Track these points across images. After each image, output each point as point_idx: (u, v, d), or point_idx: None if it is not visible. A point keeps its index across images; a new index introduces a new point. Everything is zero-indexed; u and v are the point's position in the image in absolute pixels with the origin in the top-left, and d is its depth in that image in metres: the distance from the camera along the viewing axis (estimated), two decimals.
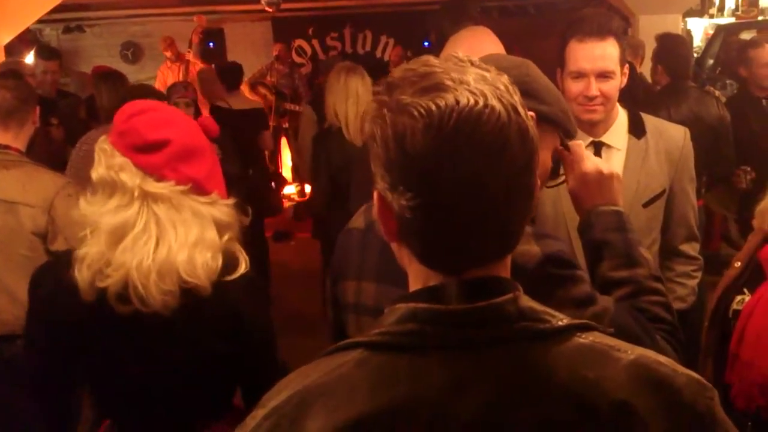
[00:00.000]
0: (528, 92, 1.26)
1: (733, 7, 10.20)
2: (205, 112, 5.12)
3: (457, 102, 0.76)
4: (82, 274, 1.41)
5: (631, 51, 4.25)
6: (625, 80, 2.02)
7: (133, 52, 10.71)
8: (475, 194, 0.77)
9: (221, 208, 1.49)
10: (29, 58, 6.94)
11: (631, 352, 0.82)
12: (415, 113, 0.76)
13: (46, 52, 4.99)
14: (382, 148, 0.79)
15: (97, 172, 1.44)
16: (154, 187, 1.42)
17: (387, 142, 0.78)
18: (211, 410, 1.58)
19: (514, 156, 0.77)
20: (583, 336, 0.82)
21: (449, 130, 0.75)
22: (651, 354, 0.83)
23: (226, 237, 1.48)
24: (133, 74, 9.68)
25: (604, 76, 1.92)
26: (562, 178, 1.39)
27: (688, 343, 1.32)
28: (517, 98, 0.80)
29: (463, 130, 0.75)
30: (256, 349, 1.55)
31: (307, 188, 8.44)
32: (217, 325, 1.48)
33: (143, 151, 1.43)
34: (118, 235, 1.41)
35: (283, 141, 8.43)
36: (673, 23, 5.44)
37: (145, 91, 3.81)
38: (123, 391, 1.53)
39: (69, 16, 9.38)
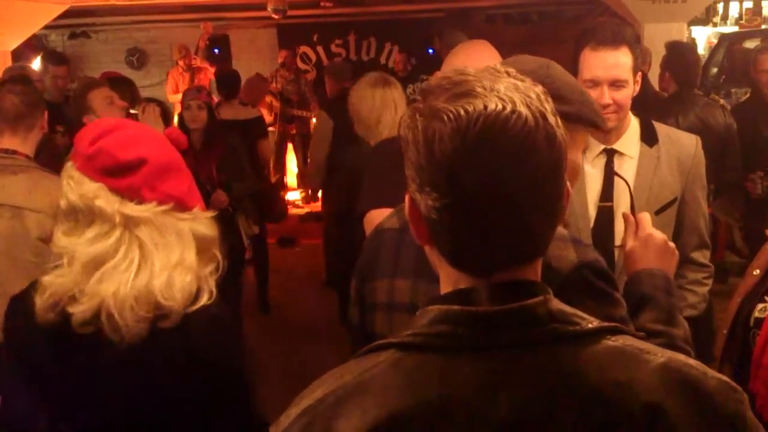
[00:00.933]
0: (550, 93, 1.29)
1: (737, 15, 10.22)
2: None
3: (485, 107, 0.78)
4: (41, 300, 1.33)
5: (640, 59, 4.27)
6: (637, 88, 2.03)
7: (138, 57, 10.75)
8: (499, 197, 0.78)
9: (203, 221, 1.41)
10: (35, 64, 6.98)
11: (661, 355, 0.83)
12: (445, 118, 0.79)
13: (54, 58, 5.02)
14: (413, 151, 0.82)
15: (68, 200, 1.35)
16: (135, 210, 1.33)
17: (418, 145, 0.81)
18: None
19: (540, 161, 0.79)
20: (613, 339, 0.83)
21: (475, 134, 0.77)
22: (681, 357, 0.84)
23: (204, 262, 1.39)
24: (139, 80, 9.68)
25: (617, 84, 1.93)
26: (622, 241, 1.45)
27: (697, 350, 1.33)
28: (548, 106, 0.82)
29: (488, 134, 0.77)
30: (219, 400, 1.39)
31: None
32: (174, 362, 1.35)
33: (117, 173, 1.33)
34: (95, 264, 1.32)
35: (289, 147, 8.45)
36: (677, 32, 5.45)
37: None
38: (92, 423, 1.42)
39: (75, 21, 9.41)
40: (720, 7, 10.06)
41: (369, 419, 0.78)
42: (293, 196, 8.48)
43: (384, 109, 3.48)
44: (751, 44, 8.33)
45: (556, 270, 1.14)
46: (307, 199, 8.46)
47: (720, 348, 1.82)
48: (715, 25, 10.33)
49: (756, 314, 1.71)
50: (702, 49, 10.01)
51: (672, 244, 1.42)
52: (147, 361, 1.35)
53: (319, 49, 10.74)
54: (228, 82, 5.61)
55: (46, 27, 7.07)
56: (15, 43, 5.61)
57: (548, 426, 0.78)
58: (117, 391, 1.38)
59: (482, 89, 0.80)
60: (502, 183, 0.78)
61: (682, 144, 2.07)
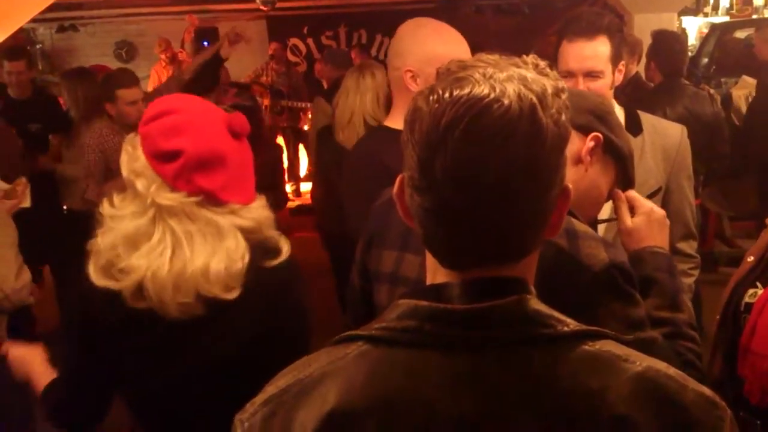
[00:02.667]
0: (603, 119, 1.36)
1: (728, 5, 10.23)
2: None
3: (470, 92, 0.75)
4: (93, 263, 1.39)
5: (628, 49, 4.25)
6: (620, 77, 2.02)
7: (127, 51, 10.69)
8: (464, 186, 0.75)
9: (243, 214, 1.42)
10: None
11: (639, 363, 0.79)
12: (430, 99, 0.77)
13: (9, 53, 4.75)
14: (404, 130, 0.81)
15: (123, 171, 1.42)
16: (165, 199, 1.37)
17: (405, 124, 0.80)
18: None
19: (515, 153, 0.75)
20: (591, 344, 0.79)
21: (450, 117, 0.75)
22: (661, 366, 0.80)
23: (259, 234, 1.45)
24: None
25: (591, 75, 1.92)
26: (614, 217, 1.43)
27: None
28: (552, 102, 0.77)
29: (462, 119, 0.74)
30: (286, 345, 1.45)
31: (303, 186, 8.47)
32: (248, 314, 1.43)
33: (158, 159, 1.38)
34: (133, 241, 1.37)
35: (280, 139, 8.42)
36: (668, 22, 5.45)
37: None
38: (158, 394, 1.48)
39: (63, 15, 9.35)
40: None
41: (326, 409, 0.77)
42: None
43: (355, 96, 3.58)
44: (741, 34, 8.35)
45: (587, 267, 1.14)
46: (298, 192, 8.45)
47: (713, 335, 1.83)
48: (705, 15, 10.34)
49: (746, 299, 1.71)
50: (693, 39, 10.03)
51: (666, 216, 1.42)
52: (222, 329, 1.41)
53: (310, 41, 10.70)
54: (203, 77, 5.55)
55: (34, 20, 7.01)
56: (2, 37, 5.55)
57: (508, 430, 0.76)
58: (178, 355, 1.43)
59: (481, 76, 0.77)
60: (470, 171, 0.75)
61: (667, 133, 2.06)
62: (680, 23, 8.54)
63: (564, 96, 0.79)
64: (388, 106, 4.01)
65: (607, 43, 1.94)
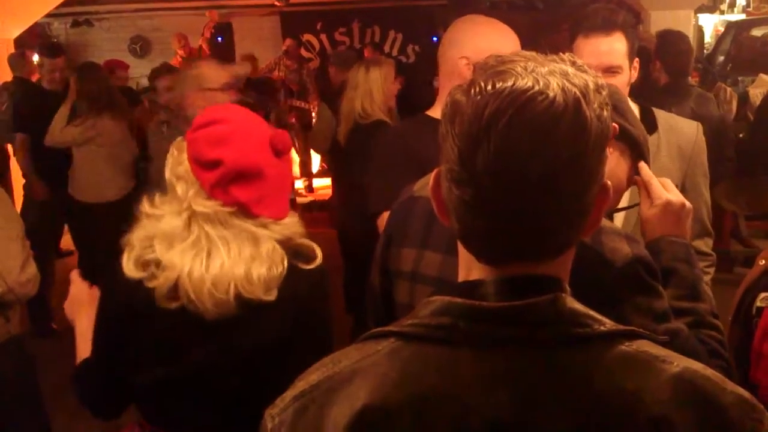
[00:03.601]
0: (617, 107, 1.34)
1: (744, 3, 10.14)
2: None
3: (513, 84, 0.74)
4: (127, 256, 1.43)
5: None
6: (635, 74, 2.00)
7: (141, 46, 10.73)
8: (507, 178, 0.73)
9: (274, 228, 1.46)
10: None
11: (677, 363, 0.77)
12: (472, 91, 0.76)
13: (50, 50, 4.97)
14: (443, 121, 0.79)
15: (166, 173, 1.47)
16: (201, 205, 1.41)
17: (444, 117, 0.79)
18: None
19: (560, 148, 0.73)
20: (627, 344, 0.78)
21: (493, 110, 0.73)
22: (698, 367, 0.79)
23: (292, 241, 1.49)
24: (142, 68, 9.69)
25: (610, 71, 1.90)
26: (636, 202, 1.41)
27: None
28: (594, 98, 0.76)
29: (506, 111, 0.73)
30: (313, 347, 1.46)
31: (315, 183, 8.48)
32: (281, 315, 1.47)
33: (201, 166, 1.43)
34: (168, 240, 1.42)
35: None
36: (685, 19, 5.41)
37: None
38: (177, 388, 1.51)
39: (77, 10, 9.41)
40: None
41: (358, 406, 0.76)
42: (296, 184, 8.46)
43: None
44: (758, 32, 8.28)
45: (611, 262, 1.14)
46: (310, 188, 8.46)
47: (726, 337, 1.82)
48: (722, 12, 10.26)
49: (758, 303, 1.69)
50: (709, 37, 9.95)
51: (689, 205, 1.39)
52: (240, 331, 1.45)
53: (323, 37, 10.69)
54: None
55: (49, 15, 7.05)
56: (17, 31, 5.60)
57: (541, 429, 0.74)
58: (208, 352, 1.46)
59: (522, 69, 0.75)
60: (513, 164, 0.73)
61: (682, 131, 2.04)
62: (696, 21, 8.48)
63: (604, 92, 0.78)
64: (398, 102, 4.05)
65: (623, 39, 1.92)
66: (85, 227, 4.53)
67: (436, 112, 2.02)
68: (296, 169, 8.72)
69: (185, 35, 8.61)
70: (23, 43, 5.76)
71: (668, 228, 1.36)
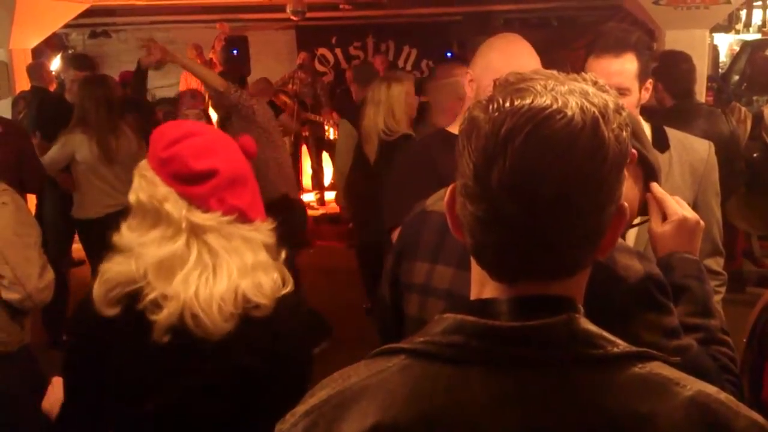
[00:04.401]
0: (635, 134, 1.34)
1: (760, 23, 10.11)
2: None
3: (532, 102, 0.74)
4: (98, 286, 1.37)
5: None
6: (647, 95, 2.00)
7: None
8: (521, 195, 0.73)
9: (265, 232, 1.44)
10: (56, 62, 7.04)
11: (690, 387, 0.77)
12: (490, 108, 0.76)
13: (78, 62, 5.02)
14: (459, 138, 0.79)
15: (138, 197, 1.39)
16: (201, 218, 1.36)
17: (462, 133, 0.79)
18: None
19: (575, 166, 0.73)
20: (641, 366, 0.77)
21: (510, 126, 0.73)
22: (712, 391, 0.78)
23: (280, 257, 1.46)
24: (157, 80, 9.77)
25: (618, 92, 1.90)
26: (647, 218, 1.42)
27: None
28: (614, 118, 0.76)
29: (523, 128, 0.72)
30: (287, 371, 1.45)
31: (327, 195, 8.49)
32: (259, 342, 1.41)
33: (189, 181, 1.37)
34: (167, 268, 1.35)
35: (303, 149, 8.46)
36: (700, 38, 5.38)
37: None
38: (155, 419, 1.45)
39: (95, 21, 9.50)
40: (743, 14, 9.95)
41: (369, 423, 0.76)
42: (307, 197, 8.48)
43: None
44: None
45: (624, 279, 1.15)
46: (322, 201, 8.47)
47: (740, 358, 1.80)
48: (737, 32, 10.22)
49: None
50: (724, 57, 9.92)
51: (702, 222, 1.39)
52: (234, 349, 1.38)
53: (338, 51, 10.76)
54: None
55: (67, 26, 7.13)
56: (36, 41, 5.66)
57: None
58: (198, 376, 1.41)
59: (542, 88, 0.75)
60: (528, 181, 0.73)
61: (694, 149, 2.03)
62: (712, 40, 8.46)
63: (624, 113, 0.78)
64: (419, 117, 4.05)
65: (635, 60, 1.93)
66: (91, 239, 4.48)
67: (455, 127, 2.04)
68: (308, 182, 8.75)
69: (200, 45, 8.68)
70: (41, 53, 5.83)
71: (681, 244, 1.36)
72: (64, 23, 6.19)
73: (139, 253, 1.36)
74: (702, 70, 4.91)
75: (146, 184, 1.38)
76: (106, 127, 4.19)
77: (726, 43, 10.24)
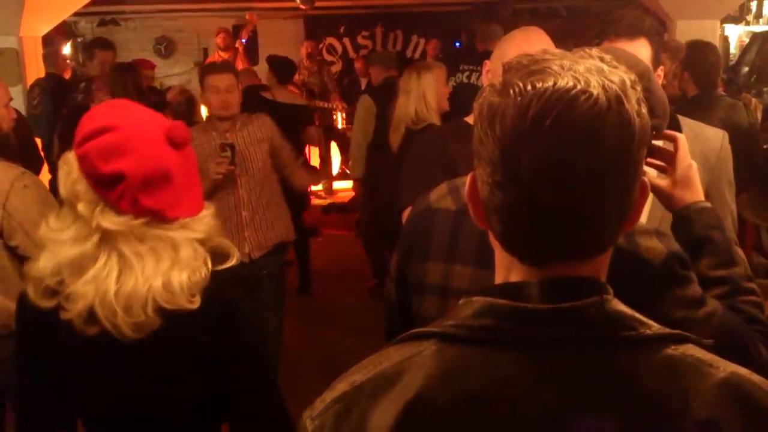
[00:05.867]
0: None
1: None
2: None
3: (554, 84, 0.74)
4: (31, 288, 1.35)
5: (670, 54, 4.18)
6: (660, 81, 1.99)
7: (166, 46, 10.82)
8: (555, 179, 0.73)
9: (194, 227, 1.37)
10: (66, 49, 7.05)
11: (723, 368, 0.78)
12: (511, 92, 0.75)
13: (101, 44, 5.19)
14: (478, 125, 0.79)
15: (61, 191, 1.35)
16: (111, 222, 1.30)
17: (482, 119, 0.78)
18: None
19: (607, 146, 0.73)
20: (674, 347, 0.78)
21: (537, 110, 0.73)
22: (744, 372, 0.79)
23: (210, 242, 1.40)
24: (166, 68, 9.81)
25: None
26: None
27: None
28: (632, 94, 0.76)
29: (551, 111, 0.72)
30: (245, 349, 1.44)
31: (335, 185, 8.50)
32: (207, 320, 1.38)
33: (98, 184, 1.31)
34: (77, 267, 1.32)
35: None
36: (711, 29, 5.36)
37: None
38: (113, 415, 1.44)
39: (104, 9, 9.49)
40: (753, 5, 9.89)
41: (404, 407, 0.76)
42: (315, 186, 8.49)
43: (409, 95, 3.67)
44: None
45: (648, 261, 1.16)
46: (330, 190, 8.48)
47: None
48: (748, 23, 10.17)
49: None
50: (734, 48, 9.86)
51: (694, 163, 1.41)
52: (176, 339, 1.36)
53: (346, 40, 10.73)
54: (282, 66, 5.54)
55: (76, 14, 7.12)
56: (46, 29, 5.66)
57: (590, 430, 0.74)
58: (137, 375, 1.39)
59: (559, 68, 0.75)
60: (560, 164, 0.73)
61: (706, 138, 2.02)
62: (722, 31, 8.41)
63: (639, 88, 0.78)
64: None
65: (648, 46, 1.92)
66: None
67: (472, 118, 2.04)
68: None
69: (228, 29, 8.54)
70: (52, 40, 5.83)
71: (693, 193, 1.37)
72: (74, 11, 6.19)
73: (54, 248, 1.34)
74: None
75: (65, 177, 1.34)
76: None
77: (736, 35, 10.18)
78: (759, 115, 5.53)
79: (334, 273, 5.86)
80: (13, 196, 2.31)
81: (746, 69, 8.30)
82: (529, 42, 1.90)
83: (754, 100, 5.86)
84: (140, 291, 1.31)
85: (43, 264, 1.34)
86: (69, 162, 1.35)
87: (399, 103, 3.89)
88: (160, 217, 1.33)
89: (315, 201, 7.69)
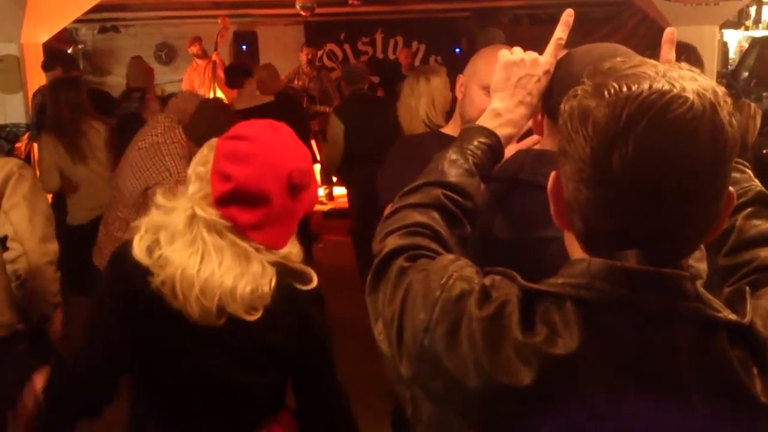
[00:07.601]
0: None
1: None
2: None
3: (650, 87, 0.74)
4: (137, 241, 1.45)
5: (684, 58, 4.17)
6: None
7: (167, 53, 10.84)
8: (645, 182, 0.73)
9: (265, 254, 1.46)
10: None
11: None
12: (605, 93, 0.75)
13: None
14: (567, 124, 0.79)
15: (190, 166, 1.50)
16: (202, 210, 1.44)
17: (572, 118, 0.78)
18: (267, 408, 1.59)
19: (700, 151, 0.73)
20: (753, 335, 0.78)
21: (632, 111, 0.73)
22: None
23: (286, 263, 1.49)
24: (167, 75, 9.82)
25: None
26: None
27: None
28: (723, 103, 0.76)
29: (646, 113, 0.73)
30: (313, 347, 1.56)
31: (336, 191, 8.51)
32: (281, 324, 1.49)
33: (217, 175, 1.45)
34: (172, 234, 1.43)
35: (312, 143, 8.45)
36: (709, 35, 5.37)
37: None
38: (178, 385, 1.51)
39: (105, 16, 9.52)
40: (752, 10, 9.91)
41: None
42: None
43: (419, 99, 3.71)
44: None
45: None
46: (331, 196, 8.48)
47: None
48: (747, 28, 10.18)
49: None
50: (733, 53, 9.88)
51: None
52: (245, 331, 1.45)
53: (346, 47, 10.75)
54: (233, 71, 5.57)
55: (77, 21, 7.15)
56: (47, 36, 5.68)
57: (686, 404, 0.75)
58: (221, 348, 1.47)
59: (654, 72, 0.76)
60: (651, 167, 0.73)
61: None
62: (721, 36, 8.43)
63: (729, 101, 0.78)
64: (450, 111, 4.08)
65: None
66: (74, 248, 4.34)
67: (449, 129, 2.20)
68: (317, 176, 8.74)
69: (199, 36, 8.58)
70: (51, 48, 5.85)
71: None
72: (75, 18, 6.21)
73: (159, 213, 1.48)
74: (711, 66, 4.90)
75: (199, 158, 1.49)
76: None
77: (735, 40, 10.19)
78: (758, 120, 5.53)
79: (335, 278, 5.86)
80: (11, 184, 2.36)
81: (745, 74, 8.31)
82: (495, 57, 1.95)
83: (753, 105, 5.86)
84: (215, 281, 1.39)
85: (147, 220, 1.47)
86: (205, 149, 1.49)
87: (407, 107, 3.83)
88: (239, 231, 1.43)
89: (316, 207, 7.69)
